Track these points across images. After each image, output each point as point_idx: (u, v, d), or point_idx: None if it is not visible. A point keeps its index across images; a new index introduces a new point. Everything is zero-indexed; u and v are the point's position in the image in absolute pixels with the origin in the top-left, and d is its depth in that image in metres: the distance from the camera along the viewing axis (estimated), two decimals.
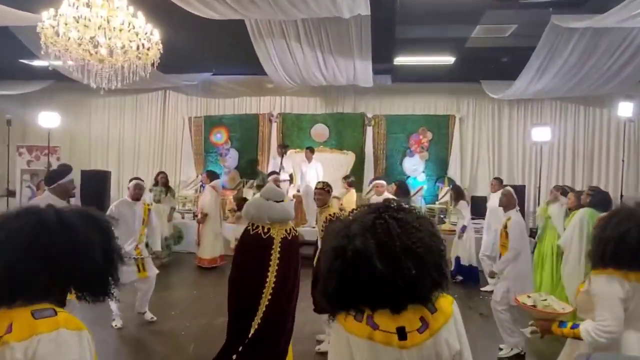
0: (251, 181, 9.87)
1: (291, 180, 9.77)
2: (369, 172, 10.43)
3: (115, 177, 11.06)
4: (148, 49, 5.50)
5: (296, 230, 3.59)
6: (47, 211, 1.39)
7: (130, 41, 5.29)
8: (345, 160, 10.36)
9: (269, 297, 3.32)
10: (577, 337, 2.18)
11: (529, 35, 7.03)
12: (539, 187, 9.53)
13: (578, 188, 8.25)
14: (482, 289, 6.90)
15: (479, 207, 8.57)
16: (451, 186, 8.51)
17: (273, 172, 8.13)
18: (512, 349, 4.56)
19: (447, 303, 1.42)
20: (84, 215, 1.43)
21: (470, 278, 7.20)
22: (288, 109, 11.24)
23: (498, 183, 7.64)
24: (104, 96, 8.53)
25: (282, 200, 3.56)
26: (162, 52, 5.67)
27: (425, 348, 1.35)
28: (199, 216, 8.02)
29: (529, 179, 10.42)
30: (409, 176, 10.67)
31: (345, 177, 8.17)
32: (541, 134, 9.15)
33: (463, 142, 10.77)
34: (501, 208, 4.94)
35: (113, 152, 11.78)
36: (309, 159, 9.26)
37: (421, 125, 10.67)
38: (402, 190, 7.54)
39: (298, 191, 9.10)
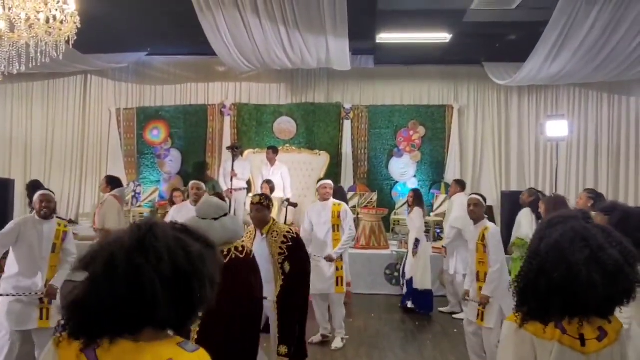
0: None
1: (249, 188, 9.67)
2: (347, 177, 10.45)
3: (21, 186, 10.71)
4: (61, 22, 5.37)
5: (243, 248, 3.43)
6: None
7: (38, 12, 5.16)
8: (317, 163, 10.36)
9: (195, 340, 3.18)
10: None
11: (541, 6, 7.15)
12: (555, 193, 9.72)
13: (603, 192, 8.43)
14: (454, 316, 7.09)
15: None
16: (412, 189, 8.44)
17: (198, 179, 7.68)
18: None
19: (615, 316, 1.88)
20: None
21: (424, 305, 7.17)
22: (244, 99, 11.20)
23: (457, 185, 7.95)
24: (4, 82, 8.30)
25: (225, 215, 3.47)
26: (80, 26, 5.54)
27: (602, 356, 1.79)
28: (97, 233, 7.52)
29: (543, 183, 10.62)
30: (397, 182, 10.73)
31: (267, 182, 8.06)
32: (557, 128, 9.32)
33: (463, 138, 10.92)
34: (466, 217, 5.33)
35: (17, 154, 11.48)
36: (272, 162, 9.21)
37: (411, 118, 10.77)
38: (340, 195, 7.58)
39: None
